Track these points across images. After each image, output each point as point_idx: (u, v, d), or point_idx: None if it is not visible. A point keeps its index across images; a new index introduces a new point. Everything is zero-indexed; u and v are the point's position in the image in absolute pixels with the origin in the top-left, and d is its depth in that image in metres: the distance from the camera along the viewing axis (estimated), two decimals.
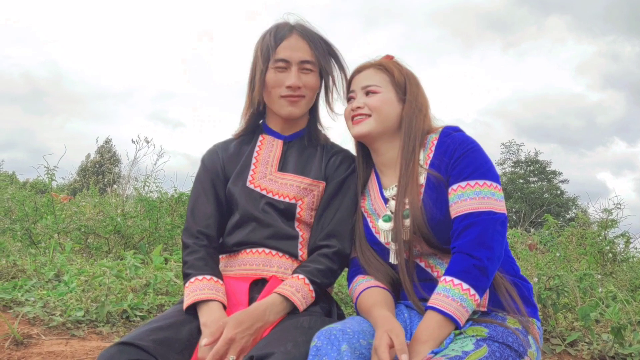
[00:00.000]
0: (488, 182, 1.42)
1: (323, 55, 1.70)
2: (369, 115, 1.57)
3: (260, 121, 1.82)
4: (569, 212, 29.29)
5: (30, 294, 2.77)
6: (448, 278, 1.35)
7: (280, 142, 1.75)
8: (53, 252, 4.11)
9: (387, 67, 1.61)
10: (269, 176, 1.69)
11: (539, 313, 2.73)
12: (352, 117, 1.61)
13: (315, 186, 1.68)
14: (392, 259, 1.53)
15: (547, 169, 33.48)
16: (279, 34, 1.66)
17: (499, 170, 34.75)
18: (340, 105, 1.77)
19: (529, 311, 1.46)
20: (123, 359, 1.28)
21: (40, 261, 3.59)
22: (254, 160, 1.73)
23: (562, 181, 32.87)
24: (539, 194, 30.93)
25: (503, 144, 35.80)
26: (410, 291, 1.47)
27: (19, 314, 2.48)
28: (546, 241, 5.20)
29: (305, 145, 1.76)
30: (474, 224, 1.38)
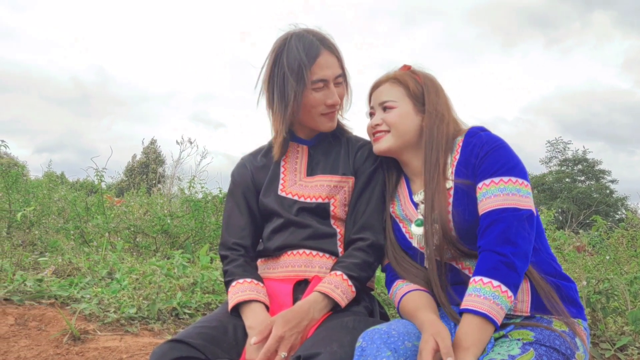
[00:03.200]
0: (513, 179, 1.40)
1: (343, 63, 1.70)
2: (388, 132, 1.57)
3: None
4: (618, 212, 28.22)
5: (86, 291, 2.89)
6: (477, 278, 1.34)
7: (305, 148, 1.77)
8: (105, 250, 4.27)
9: (402, 79, 1.60)
10: (299, 182, 1.72)
11: (588, 317, 2.67)
12: (373, 134, 1.62)
13: (345, 182, 1.70)
14: (426, 263, 1.52)
15: (596, 167, 32.34)
16: (311, 52, 1.61)
17: (544, 168, 33.79)
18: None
19: (574, 312, 1.43)
20: (175, 356, 1.33)
21: (94, 259, 3.73)
22: (282, 170, 1.75)
23: (612, 181, 31.68)
24: (587, 194, 29.91)
25: (549, 142, 34.82)
26: (441, 296, 1.46)
27: (76, 310, 2.60)
28: (595, 243, 5.04)
29: (330, 144, 1.78)
30: (497, 220, 1.36)
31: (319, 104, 1.65)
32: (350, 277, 1.55)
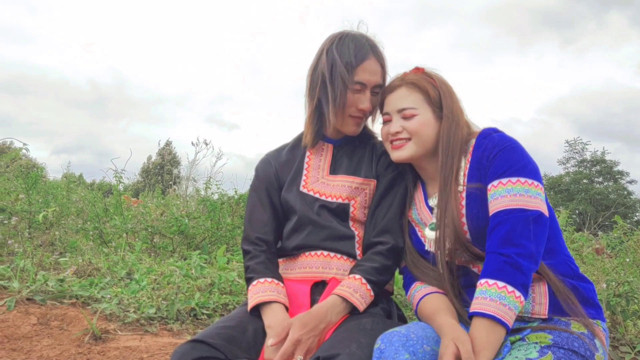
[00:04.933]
0: (522, 179, 1.39)
1: (386, 75, 1.70)
2: (409, 139, 1.55)
3: None
4: (636, 214, 27.77)
5: (106, 291, 2.93)
6: (483, 280, 1.34)
7: (330, 146, 1.79)
8: (123, 251, 4.32)
9: (420, 85, 1.56)
10: (321, 180, 1.73)
11: (607, 320, 2.65)
12: (391, 142, 1.59)
13: (366, 185, 1.71)
14: (438, 267, 1.52)
15: (615, 169, 31.89)
16: (359, 53, 1.64)
17: (561, 169, 33.38)
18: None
19: (593, 313, 1.42)
20: (195, 355, 1.35)
21: (113, 260, 3.78)
22: (305, 166, 1.77)
23: (630, 182, 31.21)
24: (604, 195, 29.50)
25: (567, 142, 34.40)
26: (454, 299, 1.46)
27: (97, 310, 2.64)
28: (614, 245, 4.98)
29: (354, 146, 1.79)
30: (502, 222, 1.36)
31: (351, 105, 1.66)
32: (369, 281, 1.56)
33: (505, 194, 1.38)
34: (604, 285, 2.71)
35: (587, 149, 33.74)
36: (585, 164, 33.13)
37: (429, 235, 1.55)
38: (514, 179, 1.39)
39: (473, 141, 1.52)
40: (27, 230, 4.82)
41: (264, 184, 1.78)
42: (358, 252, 1.67)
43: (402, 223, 1.65)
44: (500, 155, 1.43)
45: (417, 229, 1.62)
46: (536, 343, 1.30)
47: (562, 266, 1.45)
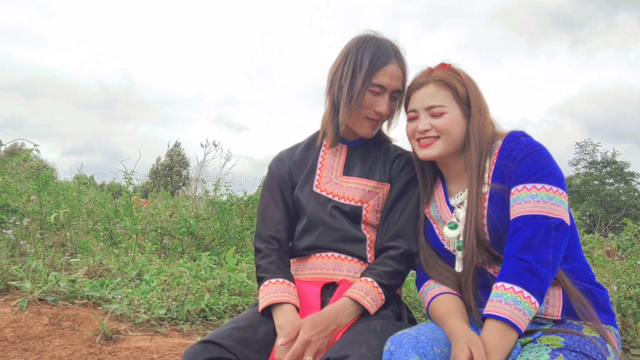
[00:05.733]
0: (547, 186, 1.37)
1: (405, 82, 1.71)
2: (437, 137, 1.53)
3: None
4: None
5: (116, 292, 2.95)
6: (499, 284, 1.34)
7: (344, 147, 1.79)
8: (133, 252, 4.35)
9: (449, 82, 1.54)
10: (334, 180, 1.73)
11: (618, 322, 2.63)
12: (418, 139, 1.57)
13: (380, 188, 1.71)
14: (458, 267, 1.52)
15: (625, 170, 31.61)
16: (383, 57, 1.65)
17: (571, 170, 33.16)
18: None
19: (605, 318, 1.42)
20: (206, 356, 1.36)
21: (123, 261, 3.81)
22: (319, 166, 1.77)
23: None
24: (615, 197, 29.26)
25: (578, 144, 34.18)
26: (471, 300, 1.46)
27: (108, 310, 2.66)
28: (625, 247, 4.94)
29: (368, 148, 1.79)
30: (523, 227, 1.35)
31: (368, 107, 1.67)
32: (381, 284, 1.56)
33: (529, 200, 1.37)
34: (615, 288, 2.69)
35: (597, 150, 33.54)
36: (595, 165, 32.92)
37: (448, 234, 1.54)
38: (538, 185, 1.38)
39: (499, 143, 1.51)
40: (39, 231, 4.86)
41: (277, 182, 1.78)
42: (369, 255, 1.67)
43: (415, 227, 1.65)
44: (526, 160, 1.42)
45: (435, 226, 1.61)
46: (547, 345, 1.29)
47: (578, 273, 1.44)
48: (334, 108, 1.73)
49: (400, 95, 1.69)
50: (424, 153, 1.56)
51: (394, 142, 1.83)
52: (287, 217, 1.75)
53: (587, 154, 33.79)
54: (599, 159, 33.10)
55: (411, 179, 1.71)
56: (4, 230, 4.14)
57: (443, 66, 1.60)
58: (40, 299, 2.74)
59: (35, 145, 4.97)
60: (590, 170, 32.75)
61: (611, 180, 31.94)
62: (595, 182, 31.22)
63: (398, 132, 1.82)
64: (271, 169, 1.83)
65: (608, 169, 32.22)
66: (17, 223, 4.48)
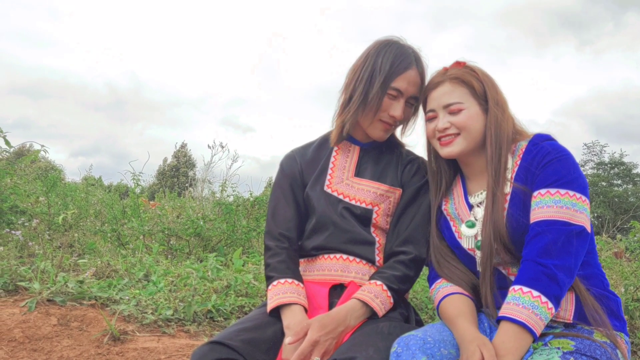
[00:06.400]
0: (570, 192, 1.37)
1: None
2: (458, 134, 1.53)
3: None
4: None
5: (124, 293, 2.96)
6: (517, 287, 1.33)
7: (357, 148, 1.79)
8: (140, 253, 4.37)
9: (465, 78, 1.54)
10: (345, 181, 1.73)
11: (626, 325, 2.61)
12: (439, 138, 1.56)
13: (391, 193, 1.71)
14: (479, 267, 1.51)
15: (633, 171, 31.41)
16: (404, 62, 1.65)
17: None
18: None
19: (617, 325, 1.41)
20: (214, 357, 1.36)
21: (130, 262, 3.82)
22: (331, 165, 1.77)
23: None
24: (623, 198, 29.09)
25: (585, 145, 34.00)
26: (490, 301, 1.45)
27: (115, 311, 2.67)
28: (633, 249, 4.91)
29: (381, 152, 1.79)
30: (545, 232, 1.34)
31: (383, 110, 1.66)
32: (390, 288, 1.56)
33: (552, 204, 1.36)
34: (623, 290, 2.67)
35: (605, 151, 33.36)
36: (603, 166, 32.73)
37: (465, 232, 1.54)
38: (562, 191, 1.37)
39: (523, 144, 1.50)
40: (47, 232, 4.89)
41: (288, 180, 1.78)
42: (377, 258, 1.67)
43: (426, 234, 1.65)
44: (551, 164, 1.41)
45: (451, 223, 1.60)
46: (558, 348, 1.29)
47: (593, 279, 1.44)
48: (344, 107, 1.73)
49: (416, 103, 1.69)
50: (446, 151, 1.55)
51: (407, 148, 1.83)
52: (297, 215, 1.75)
53: (595, 155, 33.64)
54: (606, 160, 32.91)
55: (423, 185, 1.71)
56: (12, 231, 4.17)
57: (458, 64, 1.60)
58: (48, 300, 2.75)
59: (43, 146, 5.01)
60: (598, 172, 32.57)
61: (619, 182, 31.75)
62: (603, 184, 31.03)
63: (411, 139, 1.83)
64: (283, 167, 1.83)
65: (616, 170, 32.03)
66: (26, 224, 4.51)
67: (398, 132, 1.82)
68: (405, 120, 1.73)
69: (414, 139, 1.80)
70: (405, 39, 1.72)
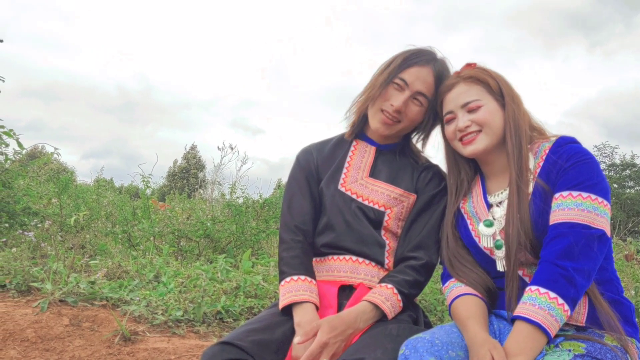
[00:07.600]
0: (593, 196, 1.36)
1: (433, 93, 1.69)
2: (479, 131, 1.52)
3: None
4: None
5: (135, 294, 2.99)
6: (534, 287, 1.32)
7: (373, 149, 1.79)
8: (151, 254, 4.40)
9: (479, 77, 1.55)
10: (360, 181, 1.74)
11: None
12: (461, 138, 1.55)
13: (405, 197, 1.71)
14: (499, 267, 1.50)
15: None
16: (418, 57, 1.67)
17: None
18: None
19: (629, 331, 1.40)
20: (224, 357, 1.37)
21: (141, 263, 3.85)
22: (346, 165, 1.77)
23: None
24: (635, 200, 28.79)
25: (596, 147, 33.68)
26: (513, 301, 1.43)
27: (126, 312, 2.70)
28: None
29: (397, 155, 1.79)
30: (565, 234, 1.33)
31: (385, 100, 1.67)
32: (400, 292, 1.57)
33: (573, 207, 1.36)
34: (633, 293, 2.66)
35: (616, 152, 33.03)
36: (614, 168, 32.42)
37: (482, 231, 1.53)
38: (584, 194, 1.36)
39: (547, 145, 1.49)
40: (59, 233, 4.94)
41: (304, 173, 1.79)
42: (387, 260, 1.67)
43: (438, 240, 1.65)
44: (575, 167, 1.40)
45: (469, 222, 1.59)
46: (569, 350, 1.29)
47: (608, 284, 1.43)
48: (359, 97, 1.75)
49: (425, 102, 1.67)
50: (470, 149, 1.54)
51: (423, 155, 1.83)
52: (313, 208, 1.75)
53: (606, 156, 33.28)
54: (617, 161, 32.59)
55: (437, 193, 1.71)
56: (25, 233, 4.22)
57: (469, 66, 1.61)
58: (60, 300, 2.78)
59: (55, 148, 5.07)
60: (610, 174, 32.25)
61: (631, 184, 31.42)
62: (615, 186, 30.72)
63: (429, 151, 1.84)
64: (299, 160, 1.83)
65: (627, 171, 31.70)
66: (39, 225, 4.57)
67: (414, 139, 1.83)
68: (413, 120, 1.70)
69: (432, 152, 1.80)
70: (438, 50, 1.72)
